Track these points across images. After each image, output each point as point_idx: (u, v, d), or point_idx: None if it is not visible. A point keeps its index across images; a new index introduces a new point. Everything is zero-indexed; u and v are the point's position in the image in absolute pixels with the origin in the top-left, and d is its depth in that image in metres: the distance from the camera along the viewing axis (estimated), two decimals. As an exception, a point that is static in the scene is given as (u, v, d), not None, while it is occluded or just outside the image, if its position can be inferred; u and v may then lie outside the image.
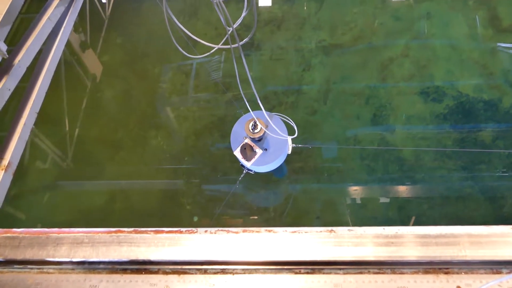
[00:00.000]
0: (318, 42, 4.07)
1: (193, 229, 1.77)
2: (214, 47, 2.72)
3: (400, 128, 3.57)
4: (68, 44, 4.30)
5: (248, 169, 2.98)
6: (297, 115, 3.71)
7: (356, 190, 3.37)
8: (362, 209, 3.27)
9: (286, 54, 4.03)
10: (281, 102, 3.79)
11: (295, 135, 2.71)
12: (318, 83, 3.86)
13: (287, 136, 2.79)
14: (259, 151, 2.80)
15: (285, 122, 2.81)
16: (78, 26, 4.42)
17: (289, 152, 3.08)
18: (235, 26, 1.97)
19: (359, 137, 3.58)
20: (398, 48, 3.96)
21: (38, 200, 3.54)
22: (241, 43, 1.96)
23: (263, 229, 1.68)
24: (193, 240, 1.70)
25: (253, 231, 1.68)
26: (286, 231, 1.65)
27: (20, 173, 3.61)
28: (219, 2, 1.80)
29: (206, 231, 1.72)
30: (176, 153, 3.67)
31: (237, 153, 2.83)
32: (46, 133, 3.82)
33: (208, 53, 2.94)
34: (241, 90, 2.38)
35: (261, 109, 2.47)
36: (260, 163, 2.78)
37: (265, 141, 2.87)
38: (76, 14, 2.92)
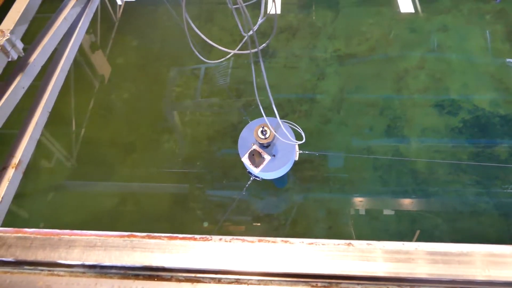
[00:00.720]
0: (333, 51, 4.06)
1: (208, 236, 1.75)
2: (231, 52, 2.71)
3: (415, 140, 3.54)
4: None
5: (255, 176, 2.98)
6: (310, 123, 3.69)
7: (368, 201, 3.33)
8: (374, 221, 3.23)
9: (301, 62, 4.03)
10: (295, 110, 3.78)
11: (303, 140, 2.71)
12: (332, 92, 3.85)
13: (296, 141, 2.78)
14: (267, 157, 2.80)
15: (292, 129, 2.82)
16: (88, 27, 4.47)
17: (296, 158, 3.09)
18: (254, 28, 1.96)
19: (372, 148, 3.55)
20: (414, 59, 3.94)
21: (45, 199, 3.55)
22: (260, 47, 1.95)
23: (279, 239, 1.65)
24: (207, 247, 1.68)
25: (269, 241, 1.65)
26: (302, 242, 1.63)
27: (30, 171, 3.64)
28: (241, 6, 1.80)
29: (220, 239, 1.69)
30: (188, 157, 3.67)
31: (245, 159, 2.82)
32: (56, 133, 3.85)
33: (224, 58, 2.94)
34: (256, 95, 2.37)
35: (270, 115, 2.47)
36: (268, 170, 2.77)
37: (273, 147, 2.86)
38: (92, 15, 2.94)
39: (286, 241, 1.64)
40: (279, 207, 3.43)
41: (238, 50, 2.73)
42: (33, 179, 3.60)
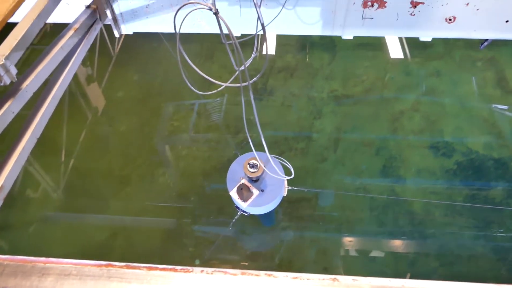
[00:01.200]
0: (330, 91, 4.16)
1: (189, 268, 1.66)
2: (223, 85, 2.73)
3: (410, 181, 3.55)
4: (74, 76, 4.42)
5: (243, 211, 2.94)
6: (306, 161, 3.70)
7: (365, 242, 3.28)
8: (371, 262, 3.17)
9: (298, 101, 4.10)
10: (291, 147, 3.80)
11: (292, 176, 2.70)
12: (329, 131, 3.89)
13: (285, 176, 2.77)
14: (255, 191, 2.77)
15: (282, 165, 2.83)
16: (85, 59, 4.56)
17: (285, 194, 3.07)
18: (247, 64, 2.00)
19: (368, 187, 3.55)
20: (409, 102, 4.03)
21: (35, 230, 3.45)
22: (251, 81, 1.98)
23: (262, 272, 1.58)
24: (188, 279, 1.58)
25: (252, 274, 1.57)
26: (287, 276, 1.56)
27: (22, 201, 3.56)
28: (234, 42, 1.84)
29: (202, 271, 1.60)
30: (182, 192, 3.62)
31: (233, 193, 2.80)
32: (50, 164, 3.81)
33: (216, 90, 2.91)
34: (246, 130, 2.37)
35: (263, 151, 2.48)
36: (256, 204, 2.74)
37: (262, 182, 2.84)
38: (89, 46, 2.95)
39: (270, 275, 1.56)
40: (271, 245, 3.36)
41: (229, 83, 2.73)
42: (24, 209, 3.52)
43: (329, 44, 4.54)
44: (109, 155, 3.89)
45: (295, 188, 3.32)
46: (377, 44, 4.55)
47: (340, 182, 3.60)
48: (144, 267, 1.70)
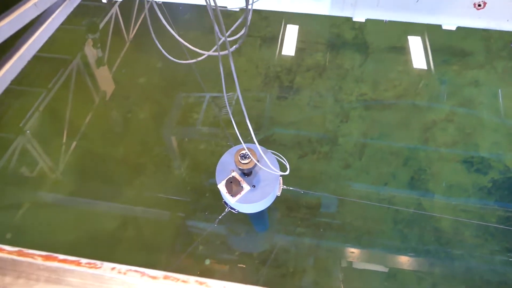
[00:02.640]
0: (359, 95, 3.95)
1: (96, 262, 1.35)
2: (205, 54, 2.49)
3: (439, 196, 3.31)
4: (84, 58, 4.35)
5: (232, 208, 2.70)
6: (329, 166, 3.51)
7: (385, 256, 3.07)
8: (390, 279, 2.96)
9: (325, 103, 3.91)
10: (315, 150, 3.61)
11: (287, 172, 2.47)
12: (355, 137, 3.69)
13: (279, 172, 2.55)
14: (246, 186, 2.56)
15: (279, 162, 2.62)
16: (97, 41, 4.49)
17: (279, 194, 2.84)
18: (229, 32, 1.81)
19: (393, 199, 3.33)
20: (443, 112, 3.79)
21: (41, 213, 3.38)
22: (231, 49, 1.79)
23: (192, 279, 1.24)
24: (94, 277, 1.27)
25: (178, 279, 1.24)
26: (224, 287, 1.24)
27: (31, 181, 3.49)
28: (216, 9, 1.62)
29: (113, 269, 1.29)
30: (197, 187, 3.49)
31: (221, 186, 2.56)
32: (66, 147, 3.73)
33: (199, 58, 2.64)
34: (231, 118, 2.19)
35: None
36: (245, 201, 2.53)
37: (254, 177, 2.63)
38: (71, 9, 2.72)
39: (202, 283, 1.23)
40: (288, 253, 3.19)
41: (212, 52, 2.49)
42: (33, 189, 3.45)
43: (361, 45, 4.33)
44: (126, 141, 3.79)
45: (291, 188, 3.11)
46: (417, 48, 4.31)
47: (363, 191, 3.39)
48: (33, 254, 1.38)
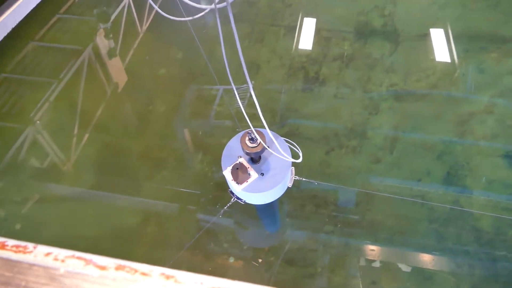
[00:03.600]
0: (389, 85, 3.73)
1: (28, 245, 1.04)
2: (206, 8, 2.31)
3: (479, 193, 3.09)
4: (95, 49, 4.28)
5: (238, 198, 2.54)
6: (358, 161, 3.33)
7: (420, 257, 2.89)
8: (427, 281, 2.77)
9: (353, 94, 3.72)
10: (342, 144, 3.44)
11: (300, 159, 2.30)
12: (385, 130, 3.49)
13: (290, 158, 2.35)
14: (254, 174, 2.38)
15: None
16: (109, 32, 4.40)
17: (290, 185, 2.64)
18: None
19: (427, 196, 3.13)
20: (481, 103, 3.54)
21: (63, 207, 3.33)
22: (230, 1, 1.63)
23: (157, 271, 0.94)
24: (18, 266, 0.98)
25: (135, 270, 0.93)
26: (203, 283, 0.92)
27: (51, 173, 3.45)
28: None
29: (48, 254, 0.98)
30: (220, 182, 3.37)
31: (227, 172, 2.40)
32: (87, 139, 3.67)
33: (198, 15, 2.46)
34: (239, 102, 2.04)
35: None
36: (252, 190, 2.36)
37: (263, 164, 2.44)
38: None
39: (169, 277, 0.93)
40: (316, 251, 3.04)
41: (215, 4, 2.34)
42: (54, 181, 3.40)
43: (391, 33, 4.10)
44: (146, 135, 3.70)
45: (303, 179, 2.93)
46: (447, 36, 4.05)
47: (395, 187, 3.20)
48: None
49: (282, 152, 2.26)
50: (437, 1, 4.36)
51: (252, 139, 2.23)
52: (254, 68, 3.96)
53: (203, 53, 4.07)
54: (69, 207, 3.33)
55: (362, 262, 2.90)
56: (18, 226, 3.20)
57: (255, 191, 2.36)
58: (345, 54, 3.97)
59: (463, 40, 3.98)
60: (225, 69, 2.01)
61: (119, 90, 4.01)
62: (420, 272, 2.82)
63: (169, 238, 3.15)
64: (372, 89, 3.72)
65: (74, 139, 3.68)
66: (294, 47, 4.07)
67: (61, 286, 0.90)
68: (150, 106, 3.82)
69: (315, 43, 4.08)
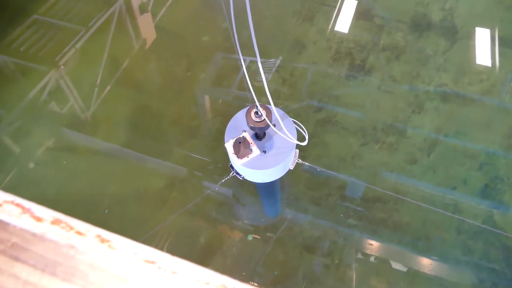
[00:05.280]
0: (438, 85, 3.54)
1: None
2: None
3: (516, 211, 2.95)
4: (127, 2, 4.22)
5: (237, 172, 2.57)
6: (393, 159, 3.22)
7: (443, 267, 2.80)
8: (445, 293, 2.71)
9: (398, 89, 3.55)
10: (378, 139, 3.32)
11: (305, 142, 2.27)
12: (427, 131, 3.34)
13: (295, 140, 2.35)
14: (256, 150, 2.39)
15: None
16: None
17: (292, 167, 2.66)
18: None
19: (460, 206, 3.01)
20: (535, 117, 3.32)
21: (93, 160, 3.39)
22: None
23: (94, 232, 0.84)
24: None
25: (70, 227, 0.83)
26: (137, 253, 0.83)
27: (86, 126, 3.50)
28: None
29: None
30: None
31: (228, 145, 2.42)
32: (124, 97, 3.69)
33: None
34: (245, 73, 1.96)
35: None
36: (253, 166, 2.37)
37: (266, 142, 2.45)
38: None
39: (105, 240, 0.83)
40: (335, 243, 3.00)
41: None
42: (89, 134, 3.46)
43: (450, 28, 3.86)
44: (182, 101, 3.68)
45: (306, 163, 2.91)
46: (509, 40, 3.78)
47: (427, 191, 3.09)
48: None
49: (287, 132, 2.26)
50: (504, 1, 4.05)
51: (257, 113, 2.23)
52: (298, 47, 3.83)
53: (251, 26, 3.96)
54: (97, 161, 3.39)
55: (383, 264, 2.85)
56: (51, 172, 3.29)
57: (255, 167, 2.37)
58: (397, 45, 3.77)
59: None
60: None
61: (161, 51, 3.97)
62: (439, 282, 2.75)
63: (191, 207, 3.17)
64: (419, 86, 3.55)
65: (96, 90, 3.70)
66: (343, 30, 3.89)
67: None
68: (189, 72, 3.78)
69: (366, 29, 3.89)
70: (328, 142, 3.31)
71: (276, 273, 2.85)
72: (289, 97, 3.55)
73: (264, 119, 2.21)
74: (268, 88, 2.04)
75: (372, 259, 2.87)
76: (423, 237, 2.92)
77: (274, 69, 3.70)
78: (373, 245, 2.93)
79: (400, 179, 3.14)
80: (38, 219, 0.84)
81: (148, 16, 4.21)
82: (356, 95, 3.54)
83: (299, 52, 3.80)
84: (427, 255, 2.86)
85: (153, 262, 0.80)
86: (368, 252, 2.91)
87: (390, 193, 3.05)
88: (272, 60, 3.75)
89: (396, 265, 2.82)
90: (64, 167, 3.32)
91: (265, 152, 2.40)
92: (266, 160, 2.37)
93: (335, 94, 3.54)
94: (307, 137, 2.32)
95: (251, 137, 2.43)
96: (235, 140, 2.41)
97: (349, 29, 3.88)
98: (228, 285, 0.76)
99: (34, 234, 0.82)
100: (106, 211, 3.07)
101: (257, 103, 2.22)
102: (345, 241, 2.94)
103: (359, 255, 2.89)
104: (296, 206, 3.10)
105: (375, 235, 2.95)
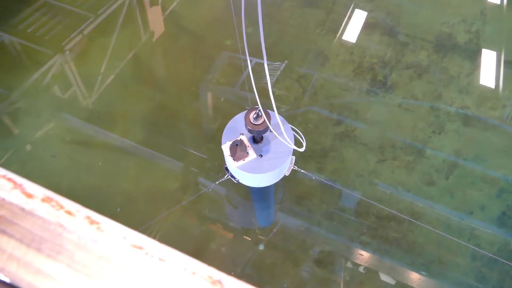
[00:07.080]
0: (460, 107, 3.51)
1: None
2: None
3: (533, 242, 2.90)
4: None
5: (232, 175, 2.56)
6: (410, 179, 3.18)
7: (455, 293, 2.76)
8: (457, 320, 2.66)
9: (419, 108, 3.52)
10: (396, 157, 3.29)
11: (303, 148, 2.25)
12: (446, 152, 3.30)
13: (292, 145, 2.34)
14: (252, 154, 2.39)
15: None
16: None
17: (287, 173, 2.62)
18: None
19: (476, 232, 2.96)
20: (557, 147, 3.28)
21: (110, 156, 3.37)
22: None
23: (84, 213, 0.83)
24: None
25: (61, 206, 0.83)
26: (126, 238, 0.83)
27: (104, 120, 3.49)
28: None
29: None
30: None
31: (225, 147, 2.40)
32: (143, 95, 3.68)
33: None
34: (251, 75, 1.93)
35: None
36: (248, 169, 2.36)
37: (264, 147, 2.45)
38: None
39: (94, 222, 0.83)
40: (346, 258, 2.96)
41: None
42: (107, 129, 3.45)
43: (475, 50, 3.83)
44: (201, 102, 3.67)
45: (302, 170, 2.87)
46: (534, 68, 3.74)
47: (443, 215, 3.04)
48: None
49: (286, 137, 2.25)
50: (531, 28, 4.02)
51: (256, 117, 2.23)
52: (321, 58, 3.82)
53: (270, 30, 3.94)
54: (112, 156, 3.38)
55: (393, 283, 2.80)
56: (66, 162, 3.28)
57: (250, 171, 2.35)
58: (420, 64, 3.75)
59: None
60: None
61: (185, 51, 3.97)
62: (452, 308, 2.70)
63: (204, 212, 3.14)
64: (441, 107, 3.51)
65: (100, 77, 3.70)
66: (367, 45, 3.87)
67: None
68: (210, 75, 3.77)
69: (390, 45, 3.87)
70: (345, 156, 3.28)
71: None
72: (308, 107, 3.53)
73: (263, 122, 2.23)
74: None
75: (384, 284, 2.82)
76: (436, 260, 2.88)
77: (278, 72, 3.69)
78: (385, 265, 2.88)
79: (416, 200, 3.10)
80: (29, 195, 0.82)
81: (157, 8, 4.19)
82: (376, 111, 3.51)
83: (321, 64, 3.78)
84: (439, 279, 2.81)
85: (140, 248, 0.78)
86: (379, 271, 2.86)
87: (402, 214, 3.01)
88: (278, 63, 3.74)
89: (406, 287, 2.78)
90: (78, 160, 3.32)
91: (261, 156, 2.39)
92: (262, 164, 2.36)
93: (355, 109, 3.51)
94: (304, 144, 2.32)
95: (249, 140, 2.44)
96: (232, 142, 2.40)
97: (373, 45, 3.86)
98: (215, 276, 0.75)
99: (23, 209, 0.80)
100: (118, 209, 3.06)
101: (260, 107, 2.21)
102: (357, 258, 2.91)
103: (370, 274, 2.85)
104: (289, 211, 3.06)
105: (387, 255, 2.91)
